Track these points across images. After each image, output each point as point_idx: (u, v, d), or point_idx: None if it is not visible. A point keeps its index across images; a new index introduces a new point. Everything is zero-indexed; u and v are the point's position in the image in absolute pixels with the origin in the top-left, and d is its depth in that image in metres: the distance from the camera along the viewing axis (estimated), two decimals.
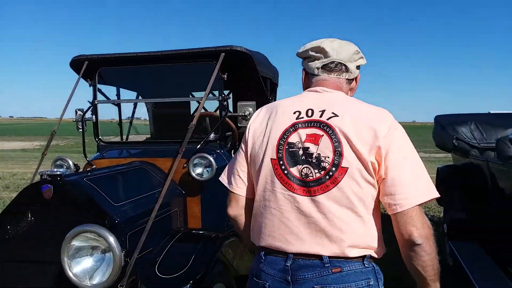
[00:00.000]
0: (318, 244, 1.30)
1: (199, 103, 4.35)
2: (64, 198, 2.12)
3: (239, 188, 1.50)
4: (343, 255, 1.29)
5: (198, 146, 2.90)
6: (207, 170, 2.74)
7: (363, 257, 1.33)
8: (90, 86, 3.30)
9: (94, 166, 3.04)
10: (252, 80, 3.55)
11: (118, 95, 3.74)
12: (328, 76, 1.47)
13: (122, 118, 3.89)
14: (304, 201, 1.32)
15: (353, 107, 1.37)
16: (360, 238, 1.31)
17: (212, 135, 3.17)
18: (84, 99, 3.37)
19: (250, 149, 1.46)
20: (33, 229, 2.14)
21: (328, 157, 1.30)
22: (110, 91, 3.64)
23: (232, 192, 1.52)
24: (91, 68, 3.21)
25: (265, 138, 1.41)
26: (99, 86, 3.34)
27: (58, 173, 2.12)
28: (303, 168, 1.33)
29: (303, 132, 1.36)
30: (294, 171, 1.34)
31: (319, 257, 1.30)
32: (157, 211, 2.43)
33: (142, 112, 4.42)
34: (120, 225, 2.13)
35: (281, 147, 1.37)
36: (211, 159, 2.73)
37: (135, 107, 4.11)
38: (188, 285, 1.79)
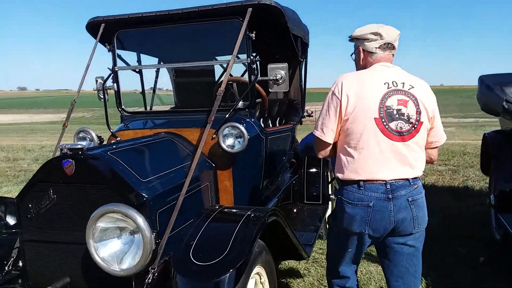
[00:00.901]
0: (406, 171, 1.95)
1: (223, 67, 4.16)
2: (87, 174, 1.94)
3: (330, 138, 2.02)
4: (417, 176, 2.01)
5: (227, 115, 2.65)
6: (239, 141, 2.51)
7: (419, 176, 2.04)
8: (109, 51, 3.07)
9: (118, 138, 2.86)
10: (282, 39, 3.24)
11: (139, 61, 3.51)
12: (384, 54, 2.06)
13: (145, 88, 3.67)
14: (399, 145, 1.94)
15: (415, 80, 2.04)
16: (423, 166, 2.03)
17: (241, 103, 2.92)
18: (105, 68, 3.17)
19: (350, 109, 1.93)
20: (56, 207, 1.98)
21: (413, 116, 1.96)
22: (131, 58, 3.42)
23: (325, 141, 2.04)
24: (108, 31, 2.97)
25: (366, 102, 1.93)
26: (118, 52, 3.11)
27: (79, 146, 1.93)
28: (398, 123, 1.94)
29: (395, 98, 1.95)
30: (392, 125, 1.93)
31: (407, 179, 1.96)
32: (188, 186, 2.24)
33: (164, 82, 4.20)
34: (149, 202, 1.94)
35: (381, 109, 1.93)
36: (243, 129, 2.49)
37: (157, 75, 3.88)
38: (228, 274, 1.60)
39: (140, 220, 1.67)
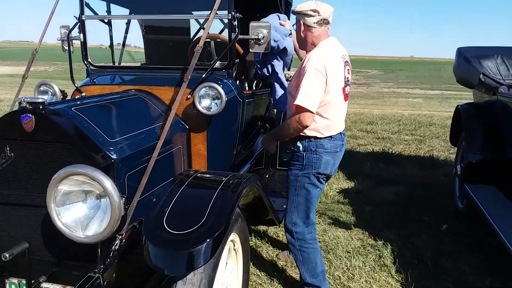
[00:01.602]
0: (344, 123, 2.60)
1: (199, 24, 3.93)
2: (49, 131, 1.76)
3: (315, 109, 2.34)
4: None
5: (204, 75, 2.49)
6: (216, 103, 2.37)
7: None
8: None
9: (83, 94, 2.64)
10: None
11: (108, 11, 3.24)
12: (321, 29, 2.44)
13: (113, 42, 3.40)
14: (346, 104, 2.56)
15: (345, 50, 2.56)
16: None
17: (218, 62, 2.76)
18: (71, 18, 2.90)
19: (330, 84, 2.34)
20: (13, 167, 1.80)
21: (350, 79, 2.58)
22: (100, 9, 3.14)
23: (313, 113, 2.33)
24: None
25: (337, 76, 2.40)
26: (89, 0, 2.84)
27: (40, 100, 1.74)
28: (347, 88, 2.53)
29: (346, 68, 2.51)
30: (346, 90, 2.52)
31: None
32: (160, 148, 2.11)
33: (134, 38, 3.93)
34: (117, 164, 1.80)
35: (343, 80, 2.46)
36: (220, 90, 2.35)
37: (127, 29, 3.61)
38: (205, 244, 1.50)
39: (108, 183, 1.53)
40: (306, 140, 2.46)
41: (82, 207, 1.61)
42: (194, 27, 3.98)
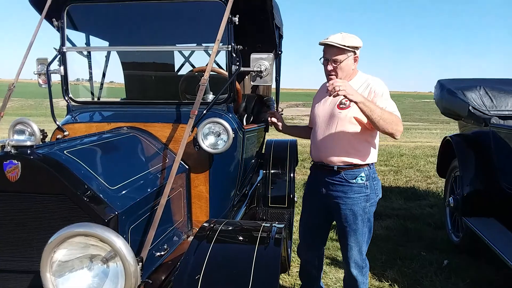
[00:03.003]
0: None
1: (184, 57, 3.72)
2: (39, 180, 1.46)
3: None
4: None
5: (206, 110, 2.27)
6: (223, 140, 2.14)
7: None
8: (57, 29, 2.54)
9: (66, 133, 2.34)
10: (264, 28, 2.91)
11: (88, 44, 2.98)
12: None
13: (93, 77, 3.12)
14: None
15: None
16: None
17: (212, 96, 2.56)
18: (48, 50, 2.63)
19: None
20: None
21: None
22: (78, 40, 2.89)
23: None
24: (57, 3, 2.44)
25: None
26: (67, 31, 2.58)
27: (29, 143, 1.45)
28: None
29: None
30: None
31: None
32: (159, 192, 1.85)
33: (114, 72, 3.66)
34: (121, 217, 1.52)
35: None
36: (227, 125, 2.12)
37: (107, 62, 3.34)
38: None
39: (121, 244, 1.24)
40: (367, 168, 2.40)
41: (85, 276, 1.30)
42: (178, 59, 3.79)
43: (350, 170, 2.38)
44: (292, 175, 3.85)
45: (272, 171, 3.90)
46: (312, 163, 2.62)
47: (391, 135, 2.24)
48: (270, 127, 3.43)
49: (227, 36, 2.39)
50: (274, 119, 2.74)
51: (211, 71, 3.00)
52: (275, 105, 3.75)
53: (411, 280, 3.37)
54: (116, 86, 3.84)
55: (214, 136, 2.17)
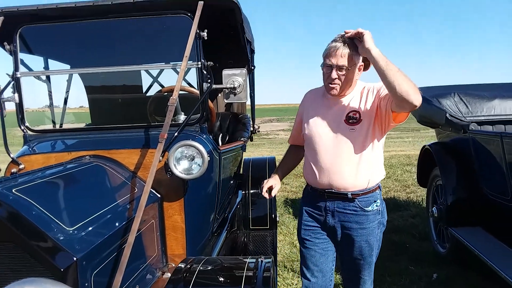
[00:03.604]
0: None
1: (152, 77, 3.54)
2: None
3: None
4: None
5: (177, 132, 2.08)
6: (198, 164, 1.96)
7: None
8: (9, 53, 2.32)
9: (22, 166, 2.10)
10: (234, 43, 2.77)
11: (46, 67, 2.77)
12: None
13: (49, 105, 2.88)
14: None
15: None
16: None
17: (183, 117, 2.39)
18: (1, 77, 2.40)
19: None
20: None
21: None
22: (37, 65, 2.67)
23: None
24: (9, 26, 2.23)
25: None
26: (21, 55, 2.37)
27: None
28: None
29: None
30: None
31: None
32: (127, 229, 1.65)
33: (76, 97, 3.43)
34: (81, 263, 1.31)
35: None
36: (202, 148, 1.94)
37: (69, 87, 3.11)
38: None
39: None
40: (378, 191, 2.15)
41: None
42: (146, 80, 3.61)
43: (364, 196, 2.08)
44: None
45: (252, 191, 3.73)
46: (310, 189, 2.23)
47: (411, 103, 1.78)
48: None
49: (196, 52, 2.24)
50: (269, 189, 2.29)
51: (181, 90, 2.84)
52: (251, 122, 3.61)
53: None
54: (86, 111, 3.62)
55: (187, 161, 1.99)
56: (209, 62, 2.27)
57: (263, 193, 2.27)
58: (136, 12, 2.25)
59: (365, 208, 2.08)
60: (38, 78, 2.65)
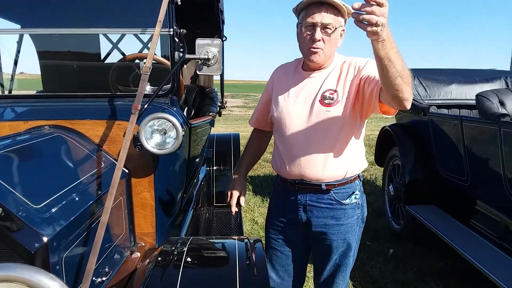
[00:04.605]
0: None
1: (112, 42, 3.30)
2: None
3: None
4: None
5: (147, 104, 1.93)
6: (172, 138, 1.84)
7: None
8: None
9: None
10: (207, 11, 2.62)
11: None
12: None
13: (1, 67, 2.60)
14: None
15: None
16: None
17: (149, 87, 2.25)
18: None
19: None
20: None
21: None
22: None
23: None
24: None
25: None
26: None
27: None
28: None
29: None
30: None
31: None
32: (97, 207, 1.53)
33: (27, 62, 3.13)
34: (52, 245, 1.18)
35: None
36: (175, 121, 1.83)
37: (19, 49, 2.82)
38: None
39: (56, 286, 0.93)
40: (358, 181, 1.88)
41: None
42: (105, 46, 3.35)
43: (341, 187, 1.81)
44: None
45: (215, 168, 3.65)
46: (279, 179, 1.97)
47: (402, 102, 1.45)
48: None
49: (168, 18, 2.07)
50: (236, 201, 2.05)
51: (157, 61, 2.66)
52: (218, 97, 3.49)
53: (361, 273, 3.34)
54: (27, 77, 3.32)
55: (160, 135, 1.86)
56: (182, 30, 2.12)
57: (232, 209, 2.03)
58: None
59: (342, 201, 1.82)
60: None
